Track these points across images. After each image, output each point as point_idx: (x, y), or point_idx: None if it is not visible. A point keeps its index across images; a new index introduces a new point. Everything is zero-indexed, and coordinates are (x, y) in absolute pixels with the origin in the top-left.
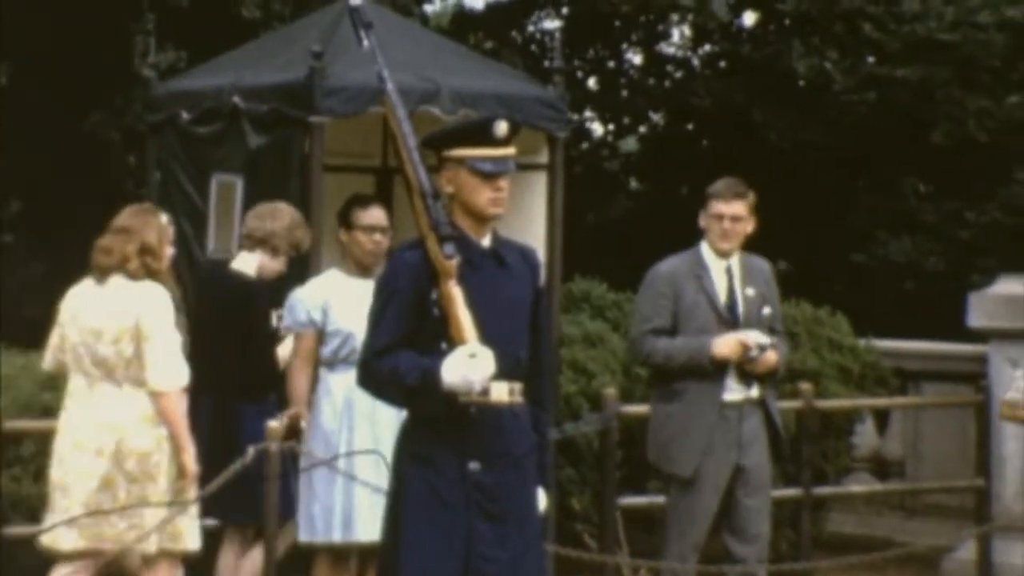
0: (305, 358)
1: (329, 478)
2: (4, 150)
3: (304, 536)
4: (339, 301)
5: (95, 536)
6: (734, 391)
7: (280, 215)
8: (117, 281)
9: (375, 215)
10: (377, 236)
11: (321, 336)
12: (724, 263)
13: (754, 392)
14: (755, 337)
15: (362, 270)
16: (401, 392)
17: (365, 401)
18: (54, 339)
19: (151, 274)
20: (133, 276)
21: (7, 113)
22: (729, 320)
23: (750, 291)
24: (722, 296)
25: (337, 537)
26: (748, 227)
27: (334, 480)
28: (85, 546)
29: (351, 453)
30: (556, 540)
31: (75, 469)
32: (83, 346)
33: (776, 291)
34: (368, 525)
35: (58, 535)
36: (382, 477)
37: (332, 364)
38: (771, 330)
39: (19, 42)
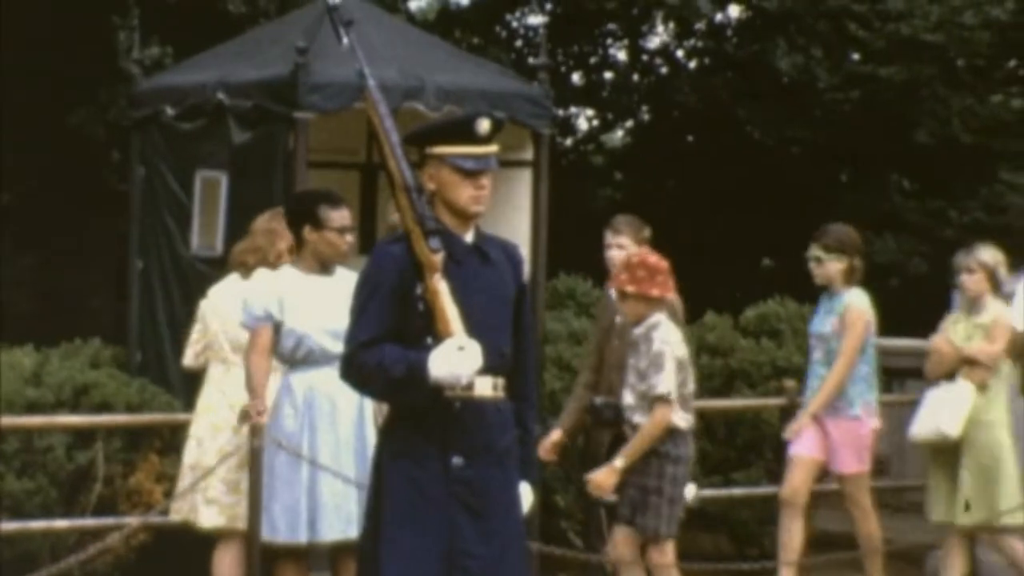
0: (262, 352)
1: (292, 478)
2: None
3: (266, 535)
4: (293, 299)
5: (232, 516)
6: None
7: None
8: (262, 273)
9: (346, 215)
10: (348, 237)
11: (278, 330)
12: None
13: None
14: None
15: (322, 268)
16: (386, 385)
17: (325, 401)
18: (193, 336)
19: None
20: None
21: None
22: None
23: None
24: None
25: (302, 537)
26: None
27: (297, 480)
28: (223, 524)
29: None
30: (540, 537)
31: (214, 449)
32: (224, 334)
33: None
34: (333, 524)
35: (198, 512)
36: (347, 475)
37: (291, 364)
38: None
39: (3, 37)
